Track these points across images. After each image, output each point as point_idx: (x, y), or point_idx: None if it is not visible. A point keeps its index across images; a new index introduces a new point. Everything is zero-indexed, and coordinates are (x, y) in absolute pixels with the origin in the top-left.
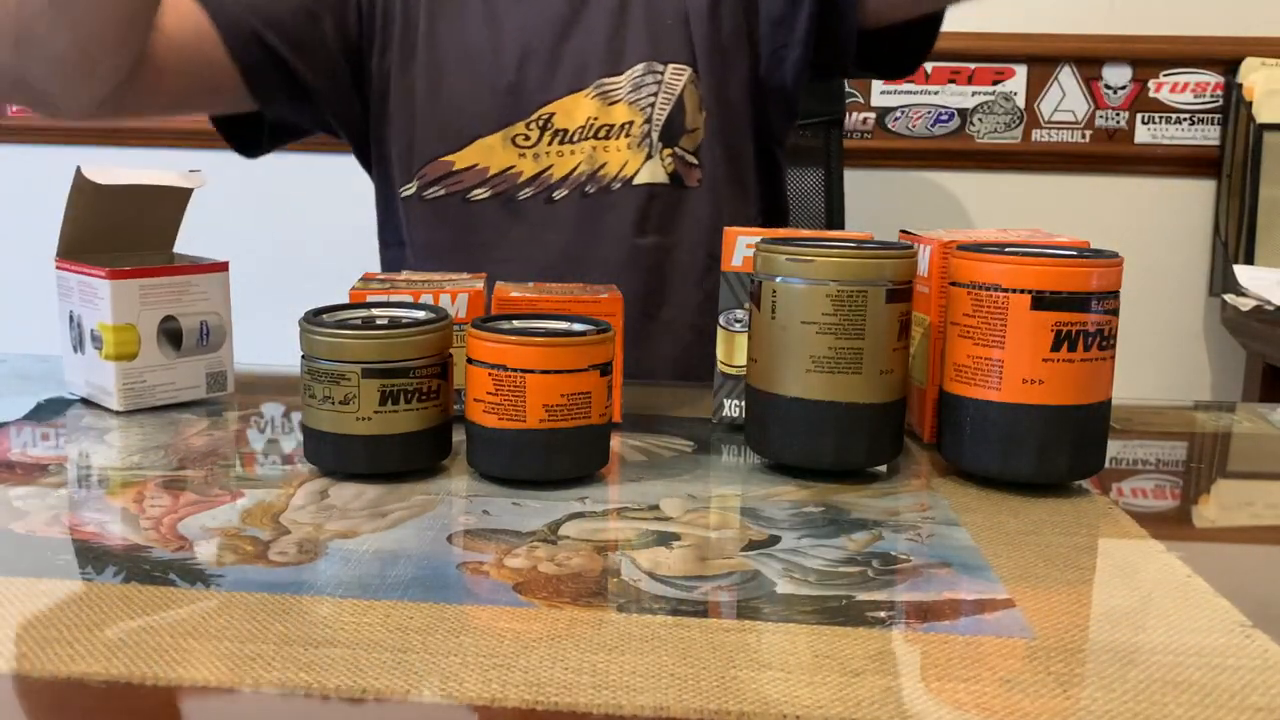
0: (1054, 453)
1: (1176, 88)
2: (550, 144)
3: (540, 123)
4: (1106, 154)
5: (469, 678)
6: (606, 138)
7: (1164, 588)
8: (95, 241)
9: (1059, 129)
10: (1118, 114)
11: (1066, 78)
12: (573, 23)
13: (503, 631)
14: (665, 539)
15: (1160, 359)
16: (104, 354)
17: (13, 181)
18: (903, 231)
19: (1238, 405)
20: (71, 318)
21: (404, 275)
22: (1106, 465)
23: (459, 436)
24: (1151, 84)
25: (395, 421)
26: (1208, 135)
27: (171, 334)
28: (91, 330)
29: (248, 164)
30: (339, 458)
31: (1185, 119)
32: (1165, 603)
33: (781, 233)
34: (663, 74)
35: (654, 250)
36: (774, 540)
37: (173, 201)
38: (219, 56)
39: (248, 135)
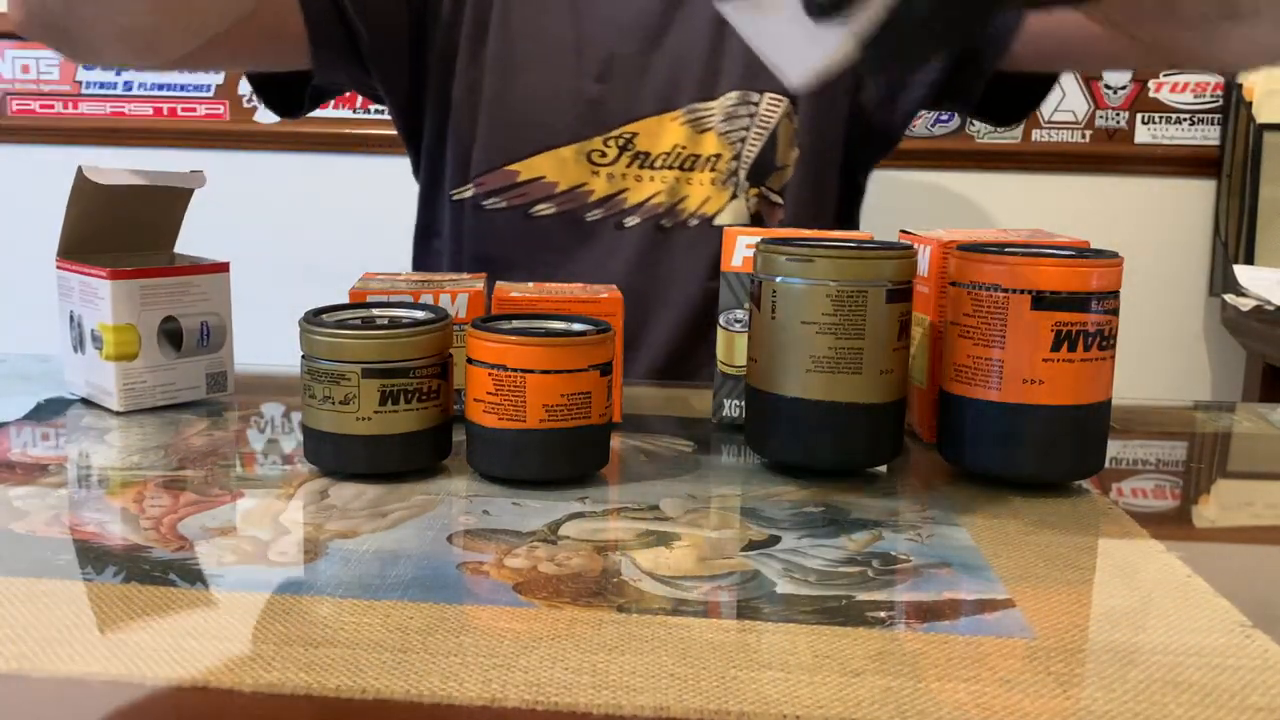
0: (1054, 453)
1: (1176, 88)
2: (629, 165)
3: (620, 141)
4: (1106, 154)
5: (469, 678)
6: (691, 169)
7: (1164, 588)
8: (96, 241)
9: (1059, 129)
10: (1118, 114)
11: (1066, 78)
12: (666, 26)
13: (503, 631)
14: (665, 539)
15: (1160, 359)
16: (104, 354)
17: (13, 181)
18: (903, 231)
19: (1238, 405)
20: (72, 318)
21: (404, 275)
22: (1106, 465)
23: (459, 436)
24: (1151, 84)
25: (395, 421)
26: (1208, 135)
27: (172, 334)
28: (92, 330)
29: (248, 164)
30: (339, 458)
31: (1185, 119)
32: (1165, 603)
33: (781, 233)
34: (757, 105)
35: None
36: (774, 540)
37: (174, 201)
38: (291, 16)
39: (289, 95)
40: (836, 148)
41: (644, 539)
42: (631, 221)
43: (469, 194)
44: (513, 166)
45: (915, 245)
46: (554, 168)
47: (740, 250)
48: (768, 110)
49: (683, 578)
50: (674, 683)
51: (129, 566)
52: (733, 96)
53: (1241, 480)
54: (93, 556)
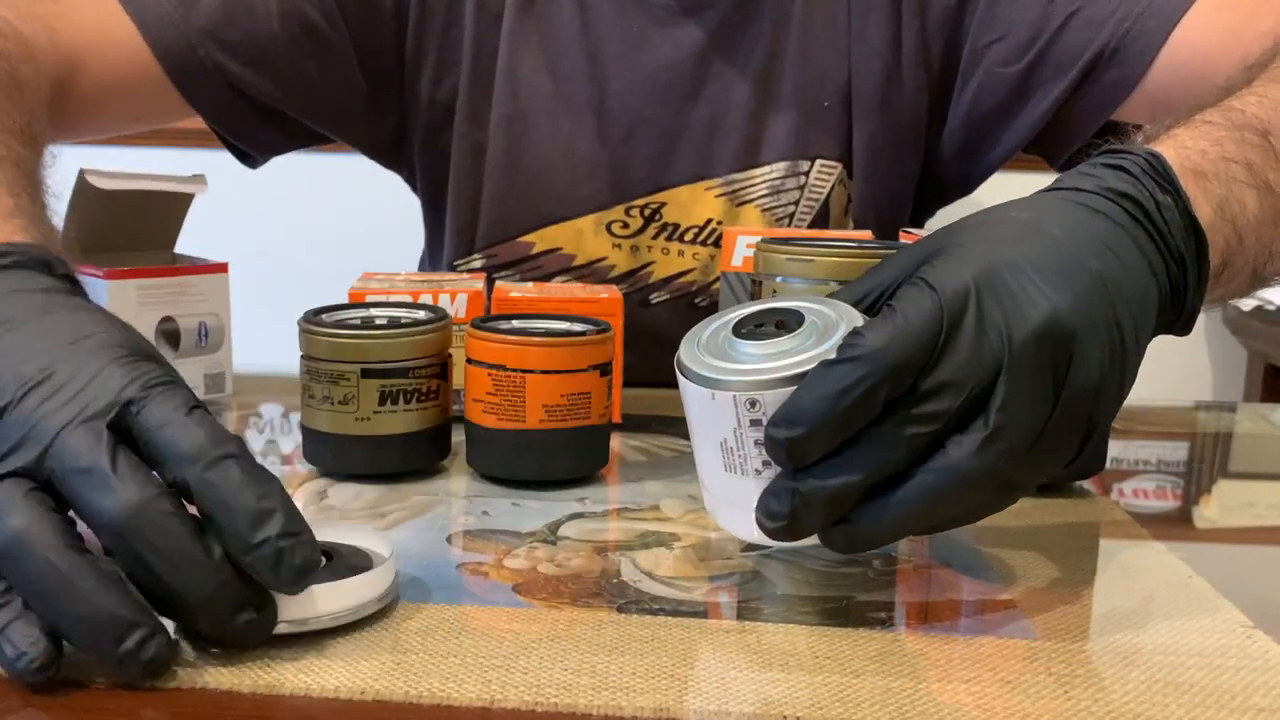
0: None
1: None
2: (655, 237)
3: (646, 211)
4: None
5: (468, 679)
6: None
7: (1165, 588)
8: (96, 243)
9: None
10: None
11: None
12: (700, 83)
13: (502, 632)
14: (665, 539)
15: (1161, 359)
16: None
17: None
18: (903, 231)
19: (1239, 405)
20: None
21: (403, 275)
22: (1107, 465)
23: (458, 437)
24: None
25: (394, 422)
26: None
27: (170, 335)
28: None
29: None
30: (338, 458)
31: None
32: (1166, 603)
33: (781, 233)
34: (807, 175)
35: None
36: None
37: (174, 206)
38: (153, 73)
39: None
40: (901, 206)
41: (644, 539)
42: (659, 298)
43: (478, 264)
44: (525, 239)
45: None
46: (570, 239)
47: (740, 250)
48: (819, 179)
49: (683, 578)
50: (674, 683)
51: None
52: (780, 168)
53: (1243, 480)
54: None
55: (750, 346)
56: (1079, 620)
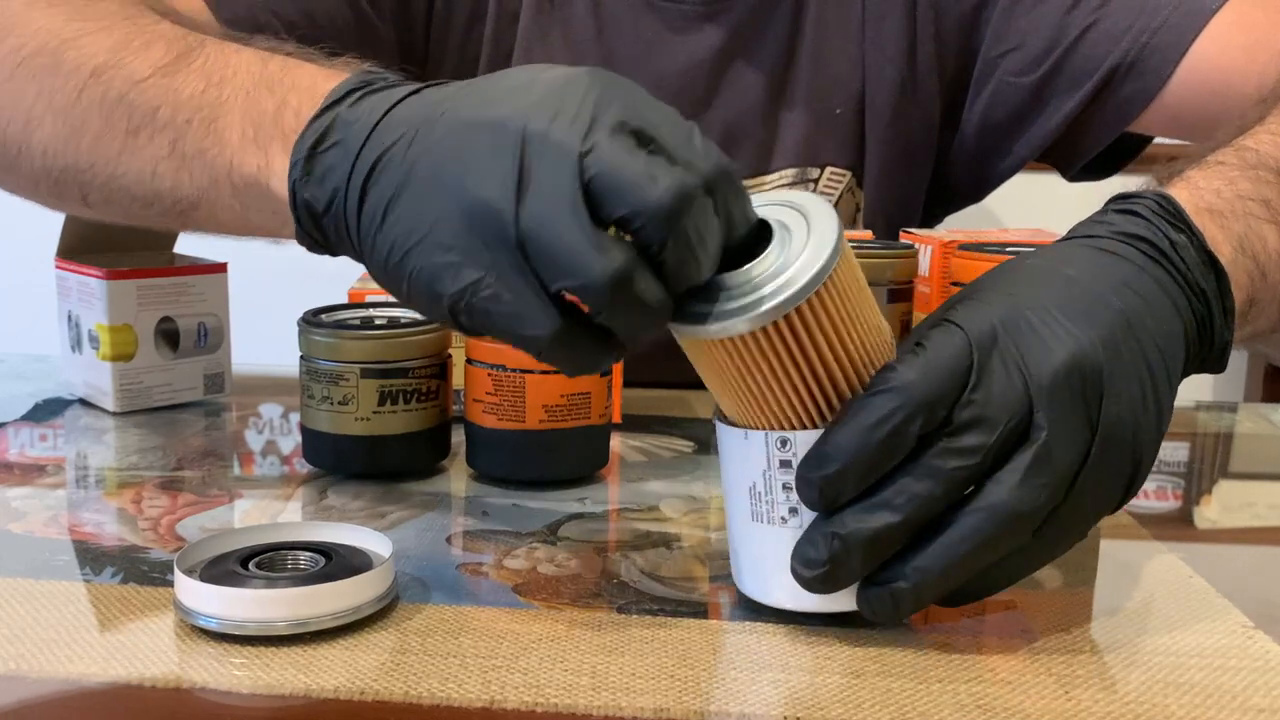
0: None
1: None
2: None
3: None
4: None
5: (468, 679)
6: None
7: (1165, 588)
8: (96, 242)
9: None
10: None
11: None
12: (714, 90)
13: (502, 633)
14: (665, 540)
15: None
16: (101, 354)
17: None
18: (904, 231)
19: (1239, 405)
20: (70, 318)
21: None
22: None
23: (458, 437)
24: None
25: (394, 422)
26: None
27: (169, 335)
28: (89, 330)
29: None
30: (338, 458)
31: None
32: (1167, 603)
33: None
34: (816, 182)
35: None
36: None
37: None
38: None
39: None
40: (911, 214)
41: (644, 539)
42: None
43: None
44: None
45: (916, 245)
46: None
47: None
48: (828, 186)
49: (683, 578)
50: (674, 684)
51: (127, 567)
52: (789, 174)
53: (1243, 481)
54: (91, 557)
55: (731, 277)
56: (1079, 620)
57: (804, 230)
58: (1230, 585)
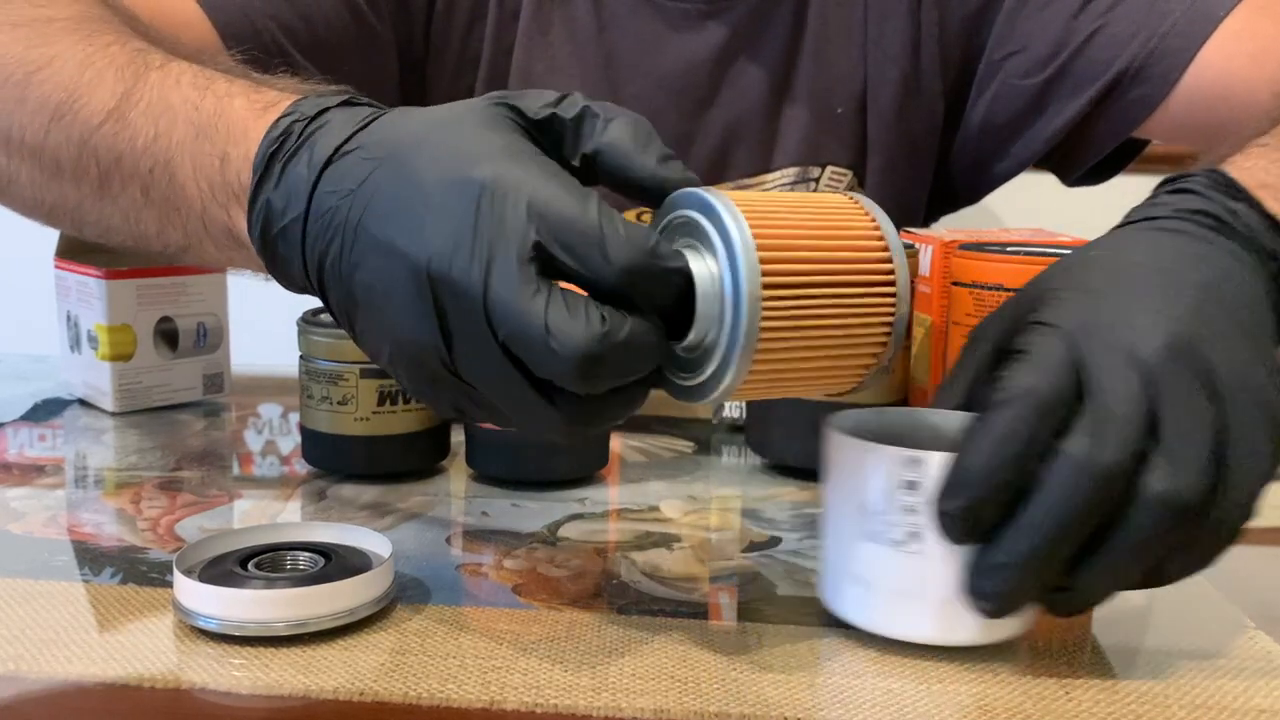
0: None
1: None
2: None
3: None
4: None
5: (467, 680)
6: None
7: (1166, 589)
8: (96, 243)
9: None
10: None
11: None
12: (716, 89)
13: (502, 633)
14: (665, 540)
15: None
16: (100, 354)
17: None
18: (904, 231)
19: None
20: (69, 318)
21: None
22: None
23: (458, 437)
24: None
25: (393, 422)
26: None
27: (168, 335)
28: (88, 330)
29: None
30: (337, 458)
31: None
32: (1167, 604)
33: None
34: (817, 181)
35: None
36: (775, 541)
37: None
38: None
39: None
40: (913, 214)
41: (644, 540)
42: None
43: None
44: None
45: (916, 245)
46: None
47: None
48: (829, 185)
49: (683, 579)
50: (674, 685)
51: (126, 568)
52: (790, 173)
53: None
54: (90, 558)
55: (682, 349)
56: (1080, 621)
57: (713, 256)
58: (1230, 585)
